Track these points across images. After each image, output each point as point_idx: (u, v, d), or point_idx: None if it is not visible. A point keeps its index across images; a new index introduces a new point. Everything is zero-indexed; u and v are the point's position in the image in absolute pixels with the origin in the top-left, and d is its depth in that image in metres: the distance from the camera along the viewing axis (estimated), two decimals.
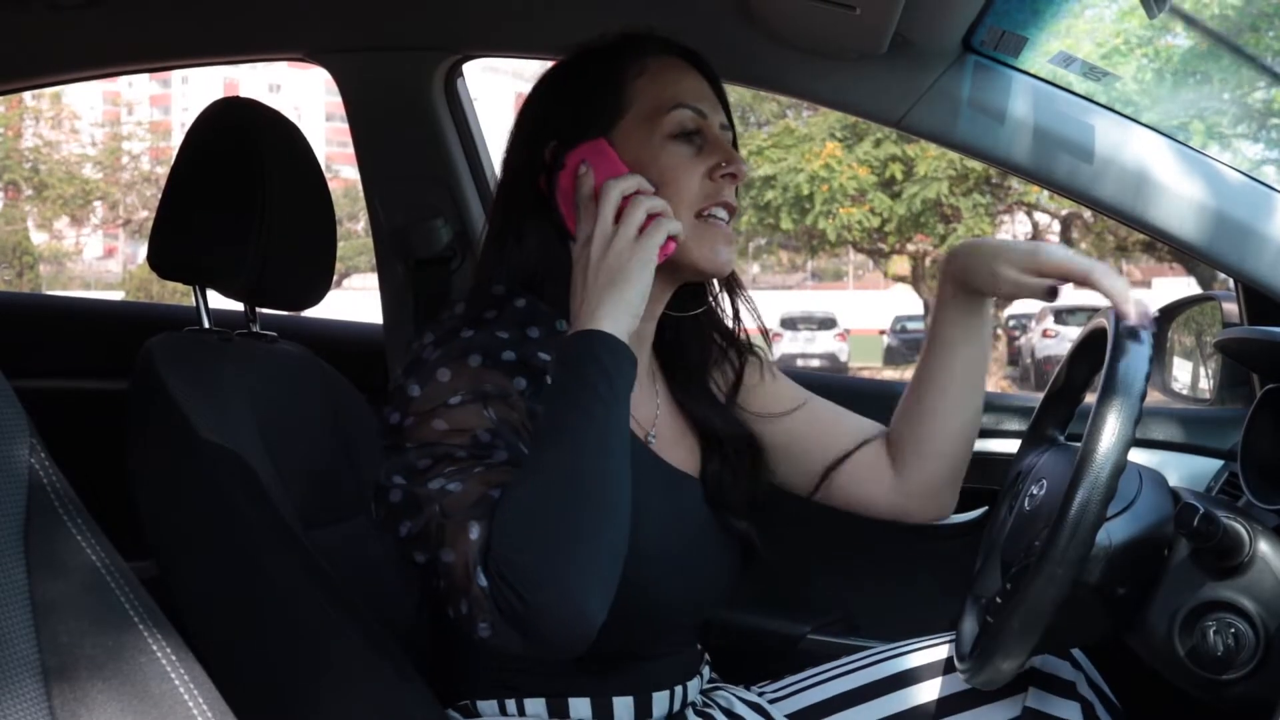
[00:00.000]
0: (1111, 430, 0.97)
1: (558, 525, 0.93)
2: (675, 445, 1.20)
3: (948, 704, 1.18)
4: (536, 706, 1.11)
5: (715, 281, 1.23)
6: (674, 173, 1.11)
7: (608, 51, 1.17)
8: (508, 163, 1.17)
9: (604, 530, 0.95)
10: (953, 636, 1.20)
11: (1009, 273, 1.14)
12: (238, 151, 1.25)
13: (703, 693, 1.22)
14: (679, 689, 1.17)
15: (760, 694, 1.27)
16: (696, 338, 1.24)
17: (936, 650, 1.23)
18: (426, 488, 0.98)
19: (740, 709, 1.22)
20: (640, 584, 1.04)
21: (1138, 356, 1.03)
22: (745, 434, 1.24)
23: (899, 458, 1.25)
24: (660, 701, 1.15)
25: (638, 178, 1.07)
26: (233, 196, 1.23)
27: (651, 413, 1.19)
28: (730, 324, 1.27)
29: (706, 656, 1.26)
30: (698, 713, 1.19)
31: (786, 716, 1.24)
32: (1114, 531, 1.04)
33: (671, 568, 1.12)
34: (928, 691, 1.20)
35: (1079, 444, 0.99)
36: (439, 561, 0.96)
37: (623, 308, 1.01)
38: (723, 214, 1.13)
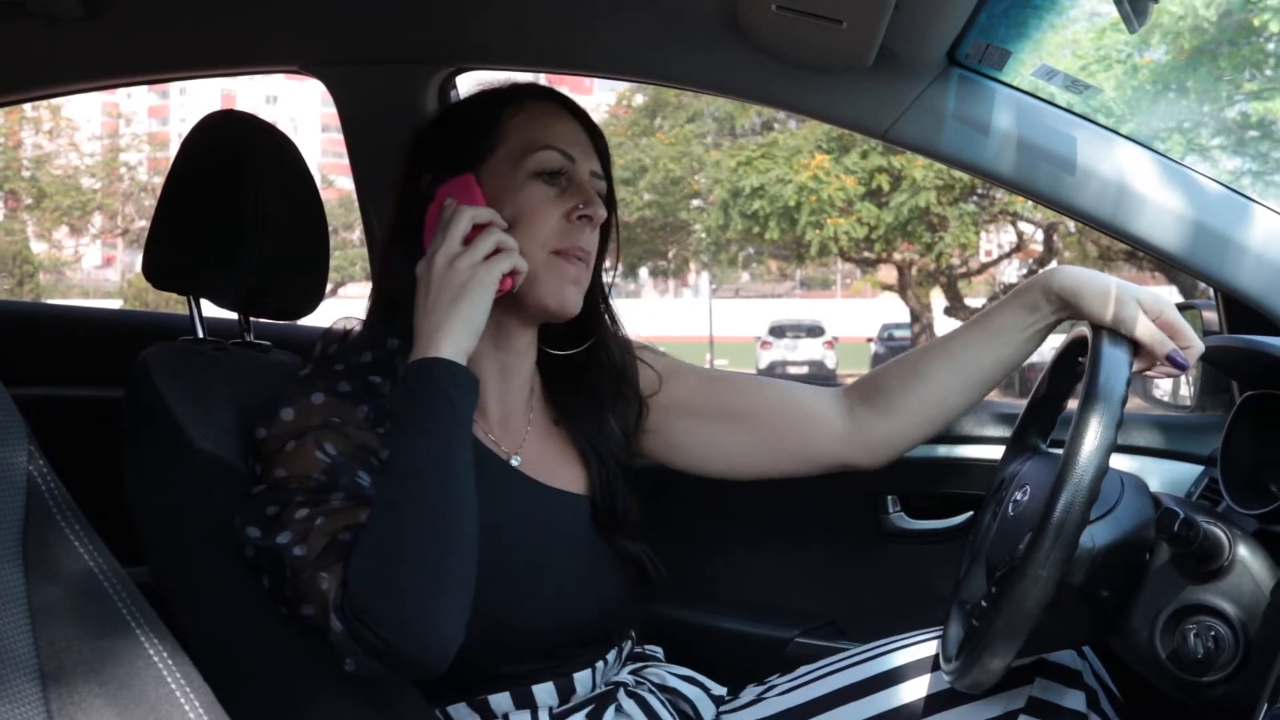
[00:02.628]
0: (1094, 435, 0.98)
1: (407, 563, 0.98)
2: (553, 465, 1.22)
3: (941, 699, 1.19)
4: (459, 711, 1.15)
5: (607, 325, 1.27)
6: (531, 210, 1.15)
7: (493, 94, 1.23)
8: (395, 194, 1.23)
9: (452, 558, 1.00)
10: (934, 631, 1.21)
11: (1139, 314, 1.12)
12: (231, 164, 1.26)
13: (633, 672, 1.24)
14: (599, 664, 1.19)
15: (740, 701, 1.27)
16: (582, 374, 1.27)
17: (928, 646, 1.23)
18: (275, 542, 1.02)
19: (673, 682, 1.24)
20: (513, 600, 1.11)
21: (1119, 365, 1.04)
22: (622, 452, 1.27)
23: (876, 409, 1.26)
24: (582, 681, 1.17)
25: (492, 212, 1.11)
26: (226, 208, 1.24)
27: (520, 437, 1.22)
28: (614, 367, 1.28)
29: (631, 633, 1.28)
30: (629, 693, 1.20)
31: (777, 714, 1.24)
32: (1097, 535, 1.05)
33: (551, 582, 1.15)
34: (922, 686, 1.20)
35: (1061, 451, 1.00)
36: (300, 614, 1.02)
37: (460, 325, 1.05)
38: (576, 258, 1.16)
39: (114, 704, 0.84)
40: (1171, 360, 1.13)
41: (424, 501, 1.00)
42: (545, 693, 1.15)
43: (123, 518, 1.14)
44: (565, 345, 1.26)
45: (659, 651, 1.33)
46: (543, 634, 1.15)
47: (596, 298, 1.26)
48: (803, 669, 1.29)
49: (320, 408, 1.08)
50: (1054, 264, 16.33)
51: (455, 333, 1.05)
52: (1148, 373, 1.16)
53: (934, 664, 1.21)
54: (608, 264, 1.28)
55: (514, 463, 1.20)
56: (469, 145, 1.18)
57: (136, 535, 1.16)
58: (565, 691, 1.16)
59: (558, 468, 1.23)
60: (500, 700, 1.14)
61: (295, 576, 1.01)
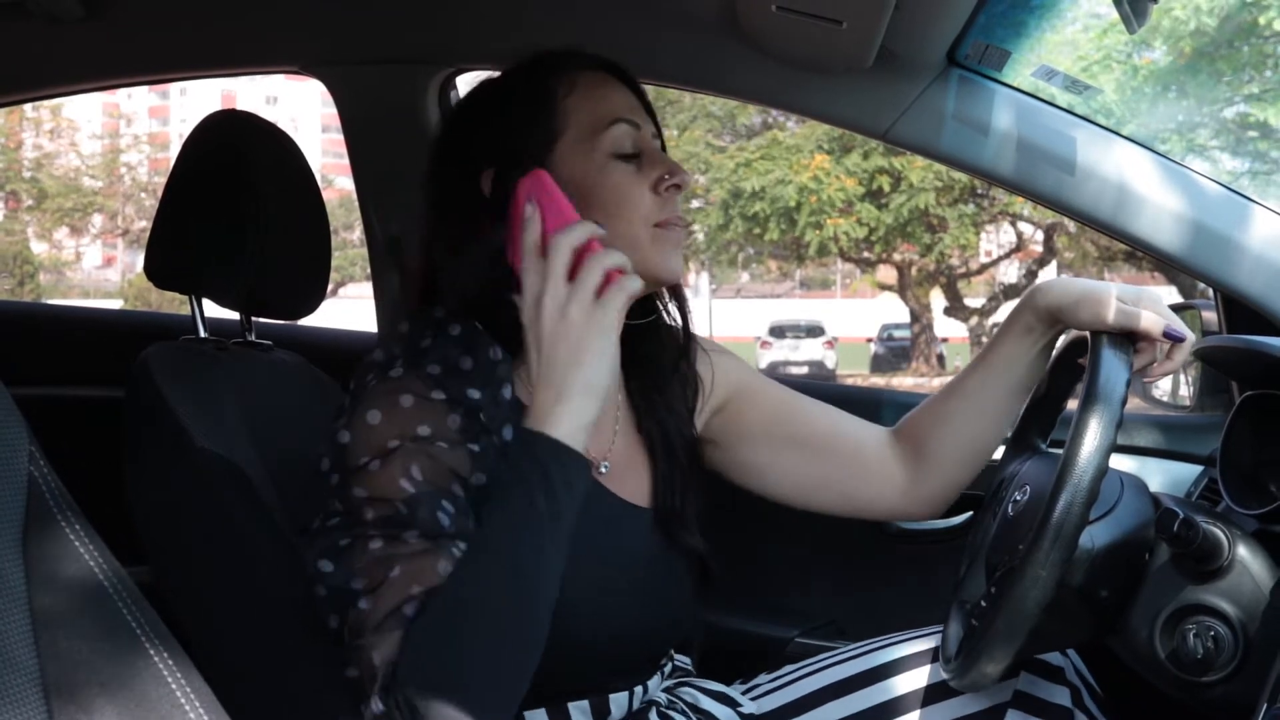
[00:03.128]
0: (1093, 436, 0.98)
1: (469, 659, 0.91)
2: (627, 475, 1.17)
3: (933, 692, 1.19)
4: None
5: (664, 291, 1.21)
6: (623, 193, 1.09)
7: (532, 70, 1.13)
8: (438, 185, 1.15)
9: (521, 654, 0.93)
10: (936, 629, 1.22)
11: (1120, 305, 1.11)
12: (233, 164, 1.26)
13: (666, 690, 1.21)
14: (638, 688, 1.15)
15: (743, 692, 1.27)
16: (653, 346, 1.21)
17: (921, 642, 1.23)
18: (350, 587, 0.96)
19: (706, 703, 1.21)
20: (583, 623, 1.04)
21: (1118, 365, 1.04)
22: (696, 444, 1.24)
23: (925, 464, 1.26)
24: (618, 702, 1.13)
25: (589, 226, 0.99)
26: (228, 208, 1.24)
27: (608, 441, 1.16)
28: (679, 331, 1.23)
29: (671, 650, 1.25)
30: (660, 713, 1.17)
31: (772, 711, 1.24)
32: (1096, 535, 1.06)
33: (615, 604, 1.10)
34: (913, 681, 1.20)
35: (1061, 451, 1.01)
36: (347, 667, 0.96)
37: (581, 393, 0.95)
38: (676, 225, 1.11)
39: (114, 704, 0.84)
40: (1170, 335, 1.12)
41: (504, 595, 0.92)
42: (579, 711, 1.12)
43: (124, 517, 1.14)
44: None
45: (688, 662, 1.31)
46: (606, 648, 1.11)
47: None
48: (788, 667, 1.29)
49: (409, 412, 0.99)
50: (1053, 264, 16.35)
51: (576, 406, 0.95)
52: (1151, 371, 1.15)
53: (923, 659, 1.21)
54: None
55: (602, 470, 1.14)
56: (530, 134, 1.10)
57: (137, 535, 1.16)
58: (600, 710, 1.13)
59: (631, 473, 1.18)
60: (535, 715, 1.10)
61: (352, 637, 0.95)
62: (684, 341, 1.23)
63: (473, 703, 0.90)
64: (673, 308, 1.22)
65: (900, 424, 1.30)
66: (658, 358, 1.21)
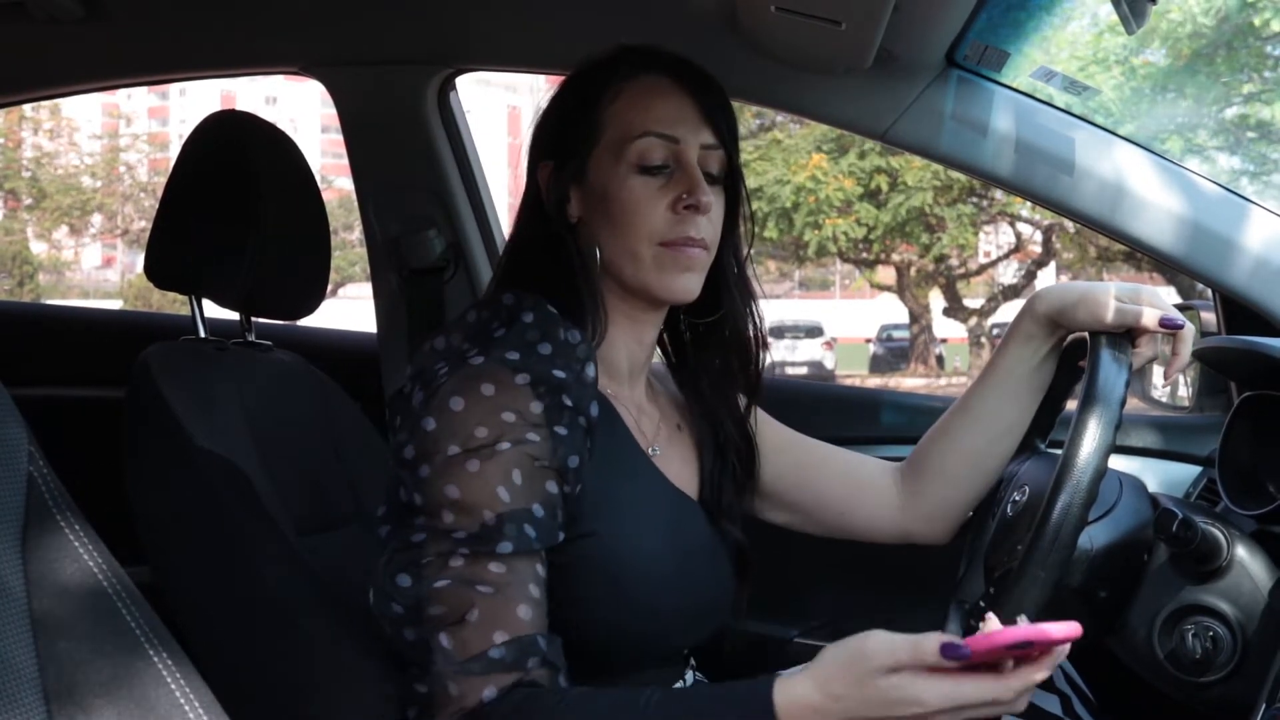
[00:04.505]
0: (1092, 437, 0.98)
1: None
2: (675, 463, 1.17)
3: None
4: None
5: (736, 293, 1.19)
6: (634, 207, 1.08)
7: (592, 73, 1.14)
8: (527, 173, 1.17)
9: None
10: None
11: (1118, 304, 1.10)
12: (233, 164, 1.26)
13: None
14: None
15: None
16: (714, 345, 1.20)
17: None
18: (427, 613, 0.97)
19: None
20: (641, 606, 1.05)
21: (1117, 366, 1.04)
22: (750, 438, 1.23)
23: (921, 478, 1.26)
24: None
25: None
26: (228, 208, 1.25)
27: (654, 428, 1.17)
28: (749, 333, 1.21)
29: (692, 660, 1.27)
30: None
31: None
32: (1095, 536, 1.06)
33: (670, 589, 1.10)
34: None
35: (1060, 451, 1.01)
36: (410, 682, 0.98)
37: None
38: (685, 247, 1.09)
39: (114, 705, 0.84)
40: (1166, 324, 1.11)
41: None
42: None
43: (123, 518, 1.14)
44: (693, 316, 1.20)
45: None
46: (654, 636, 1.11)
47: (726, 270, 1.17)
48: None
49: (494, 400, 0.99)
50: (1052, 265, 16.33)
51: None
52: (1165, 371, 1.15)
53: None
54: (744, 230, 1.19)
55: (654, 452, 1.15)
56: (576, 136, 1.12)
57: (137, 535, 1.16)
58: None
59: (681, 464, 1.18)
60: None
61: (420, 657, 0.97)
62: (755, 348, 1.21)
63: None
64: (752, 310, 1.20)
65: (909, 458, 1.29)
66: (723, 356, 1.21)
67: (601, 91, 1.12)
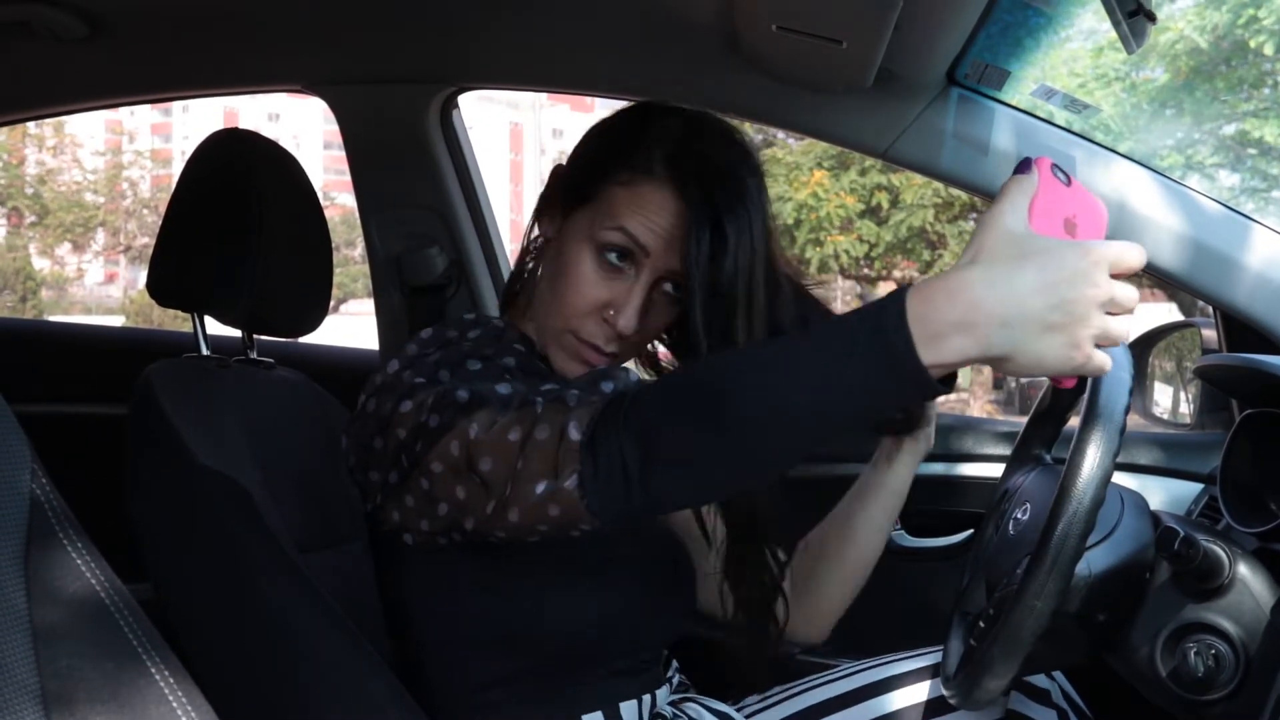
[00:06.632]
0: (1091, 464, 0.96)
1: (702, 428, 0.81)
2: None
3: (925, 709, 1.20)
4: None
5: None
6: (575, 282, 1.09)
7: (627, 137, 1.12)
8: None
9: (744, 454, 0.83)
10: (930, 649, 1.22)
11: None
12: (236, 183, 1.26)
13: (672, 703, 1.22)
14: (646, 697, 1.17)
15: (740, 708, 1.28)
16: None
17: (914, 661, 1.24)
18: (485, 392, 0.97)
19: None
20: (591, 592, 1.09)
21: (1118, 386, 1.04)
22: None
23: (798, 586, 1.29)
24: (629, 711, 1.15)
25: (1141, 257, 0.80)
26: (231, 226, 1.25)
27: None
28: None
29: (675, 664, 1.27)
30: None
31: None
32: (1094, 561, 1.05)
33: (622, 575, 1.13)
34: (905, 698, 1.21)
35: (1064, 465, 1.00)
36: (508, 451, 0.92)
37: (1007, 351, 0.76)
38: (591, 349, 1.10)
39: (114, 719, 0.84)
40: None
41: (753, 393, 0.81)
42: None
43: (125, 535, 1.14)
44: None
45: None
46: (617, 629, 1.13)
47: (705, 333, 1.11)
48: (777, 687, 1.30)
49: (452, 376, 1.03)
50: None
51: (986, 343, 0.76)
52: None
53: (916, 677, 1.22)
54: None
55: None
56: (578, 183, 1.13)
57: (138, 552, 1.16)
58: (611, 718, 1.14)
59: None
60: None
61: (525, 406, 0.93)
62: None
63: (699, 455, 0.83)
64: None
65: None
66: None
67: (619, 169, 1.10)
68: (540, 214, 1.18)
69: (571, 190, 1.14)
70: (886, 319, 0.76)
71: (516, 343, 1.13)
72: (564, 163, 1.20)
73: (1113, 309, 0.77)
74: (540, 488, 0.89)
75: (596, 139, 1.17)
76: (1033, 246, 0.76)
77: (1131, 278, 0.80)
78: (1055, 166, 0.82)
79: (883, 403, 0.81)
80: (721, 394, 0.81)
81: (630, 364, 1.09)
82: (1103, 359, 0.78)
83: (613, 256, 1.09)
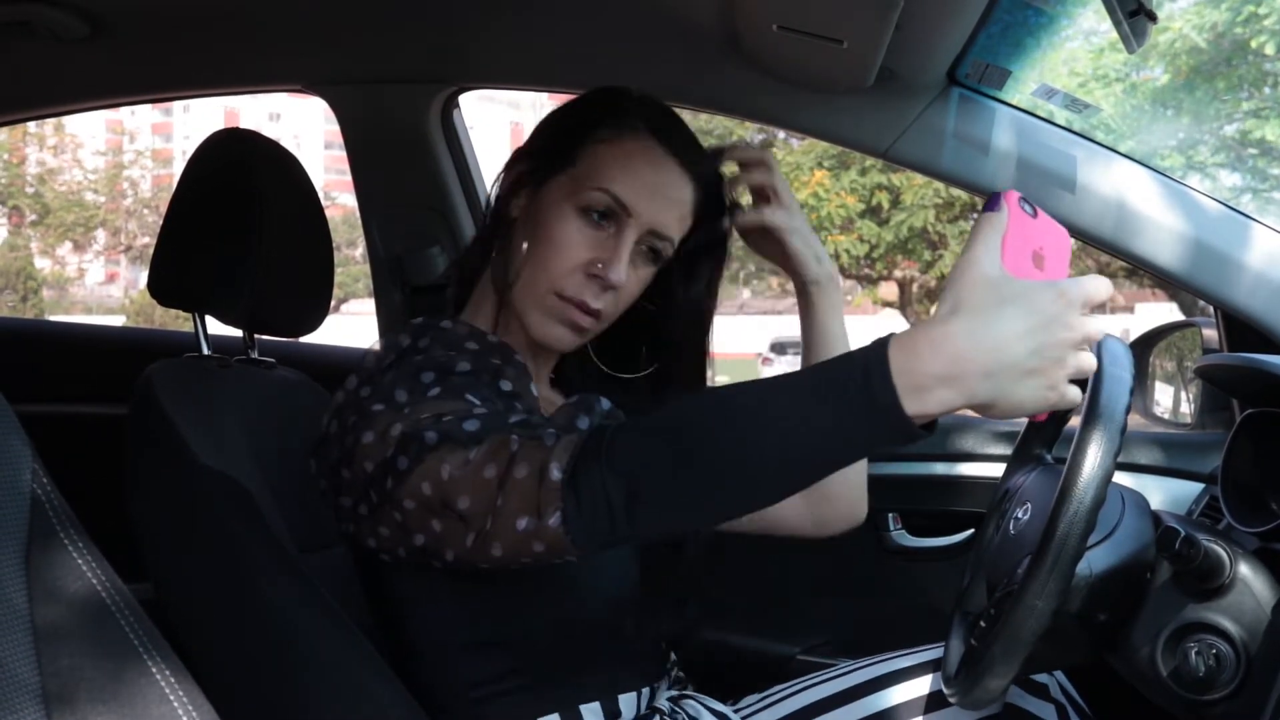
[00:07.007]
0: (1091, 464, 0.96)
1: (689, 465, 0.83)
2: None
3: (924, 705, 1.20)
4: None
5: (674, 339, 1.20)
6: (557, 245, 1.09)
7: (605, 102, 1.15)
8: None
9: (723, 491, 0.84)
10: (929, 647, 1.22)
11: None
12: (236, 183, 1.27)
13: (671, 700, 1.22)
14: (645, 690, 1.17)
15: (739, 709, 1.28)
16: (636, 402, 1.18)
17: (914, 656, 1.24)
18: (462, 429, 0.93)
19: (707, 718, 1.22)
20: (587, 584, 1.08)
21: (1119, 386, 1.04)
22: None
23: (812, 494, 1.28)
24: (627, 703, 1.15)
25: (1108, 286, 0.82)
26: (231, 226, 1.25)
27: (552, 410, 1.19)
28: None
29: (674, 658, 1.27)
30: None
31: None
32: (1094, 561, 1.05)
33: (617, 568, 1.13)
34: (902, 694, 1.21)
35: (1065, 465, 1.00)
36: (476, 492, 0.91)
37: (990, 397, 0.78)
38: (577, 308, 1.09)
39: (115, 719, 0.84)
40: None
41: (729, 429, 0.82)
42: (591, 713, 1.13)
43: (126, 534, 1.14)
44: (629, 366, 1.22)
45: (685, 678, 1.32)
46: (613, 620, 1.13)
47: (675, 327, 1.18)
48: (776, 686, 1.30)
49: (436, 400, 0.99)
50: None
51: (970, 393, 0.78)
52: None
53: (914, 673, 1.22)
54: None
55: None
56: (555, 152, 1.13)
57: (138, 552, 1.16)
58: (610, 712, 1.14)
59: None
60: None
61: (498, 431, 0.92)
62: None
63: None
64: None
65: None
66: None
67: (597, 127, 1.12)
68: (505, 200, 1.16)
69: (545, 160, 1.14)
70: (871, 372, 0.78)
71: (467, 340, 1.12)
72: (521, 147, 1.19)
73: (1085, 346, 0.80)
74: (522, 524, 0.89)
75: (568, 111, 1.18)
76: (1010, 291, 0.78)
77: (1132, 277, 0.81)
78: (1022, 199, 0.84)
79: (865, 450, 0.84)
80: (703, 442, 0.82)
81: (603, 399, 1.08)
82: (1075, 393, 0.81)
83: (595, 216, 1.10)
